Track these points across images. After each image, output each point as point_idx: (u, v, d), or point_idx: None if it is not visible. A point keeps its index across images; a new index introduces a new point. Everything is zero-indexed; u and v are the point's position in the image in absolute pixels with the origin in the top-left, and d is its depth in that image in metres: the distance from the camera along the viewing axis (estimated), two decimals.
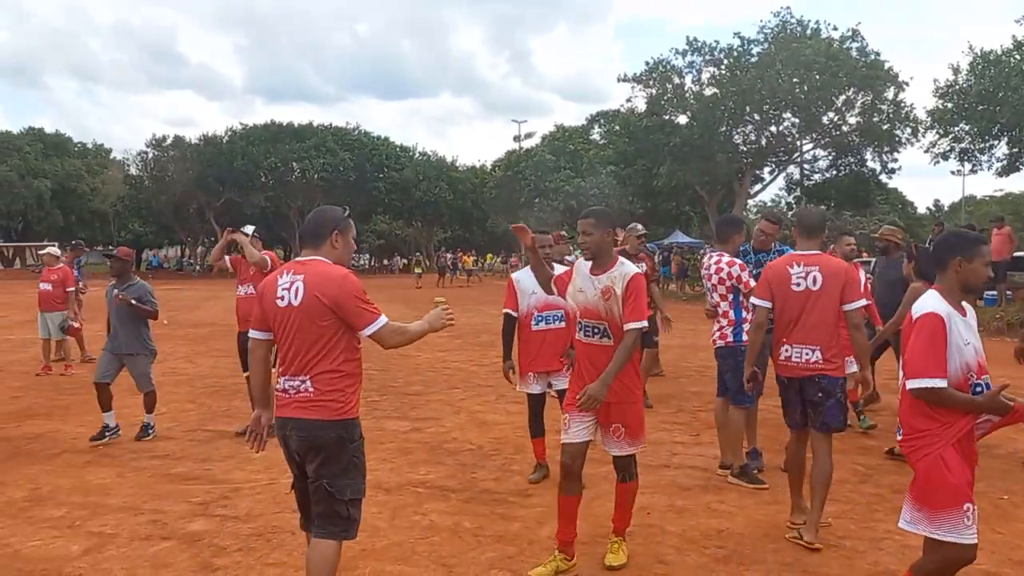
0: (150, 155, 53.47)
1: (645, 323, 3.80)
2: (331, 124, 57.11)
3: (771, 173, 35.63)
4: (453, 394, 8.92)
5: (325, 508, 3.15)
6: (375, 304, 3.18)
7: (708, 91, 31.03)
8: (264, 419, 3.35)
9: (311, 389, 3.14)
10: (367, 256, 69.71)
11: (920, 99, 65.45)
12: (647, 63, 31.98)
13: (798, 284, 4.34)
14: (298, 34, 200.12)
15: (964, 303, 3.10)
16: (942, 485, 2.89)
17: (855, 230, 21.97)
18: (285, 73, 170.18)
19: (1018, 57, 22.42)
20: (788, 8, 33.27)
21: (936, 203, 62.79)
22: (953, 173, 39.01)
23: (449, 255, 45.00)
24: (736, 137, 32.58)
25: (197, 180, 50.03)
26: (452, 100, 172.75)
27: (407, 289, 32.72)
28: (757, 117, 31.27)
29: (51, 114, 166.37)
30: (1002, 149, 24.39)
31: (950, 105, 23.93)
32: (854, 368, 4.71)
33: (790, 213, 32.56)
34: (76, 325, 10.64)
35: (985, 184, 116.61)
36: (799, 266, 4.37)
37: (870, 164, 33.44)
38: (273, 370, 3.50)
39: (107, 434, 6.54)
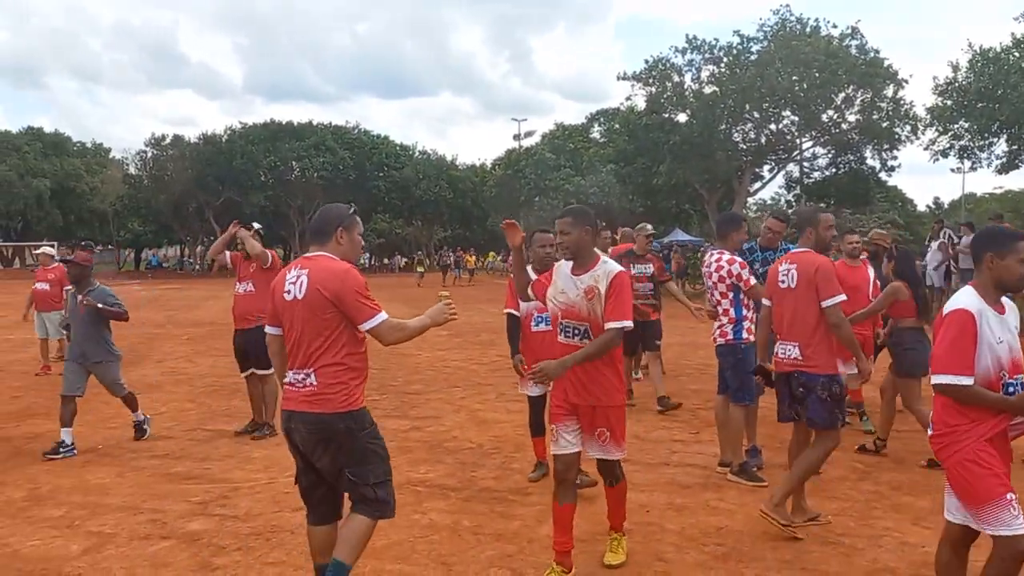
0: (149, 154, 53.37)
1: (629, 323, 3.63)
2: (331, 123, 57.28)
3: (771, 171, 35.63)
4: (453, 393, 8.92)
5: (354, 494, 3.27)
6: (376, 300, 3.21)
7: (708, 89, 30.99)
8: None
9: (315, 382, 3.18)
10: (368, 255, 69.67)
11: (920, 97, 65.66)
12: (647, 61, 32.04)
13: (783, 282, 4.52)
14: (298, 33, 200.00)
15: (1008, 301, 3.04)
16: (975, 480, 2.82)
17: (855, 228, 21.90)
18: (285, 72, 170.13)
19: (1017, 55, 22.40)
20: (788, 6, 33.15)
21: (936, 200, 62.55)
22: (953, 170, 38.92)
23: (451, 254, 45.05)
24: (736, 135, 32.54)
25: (196, 179, 50.00)
26: (452, 99, 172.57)
27: (408, 288, 32.74)
28: (756, 115, 31.22)
29: (51, 114, 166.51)
30: (1002, 146, 24.43)
31: (950, 102, 23.89)
32: (853, 370, 4.71)
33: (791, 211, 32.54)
34: None
35: (985, 181, 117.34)
36: (785, 264, 4.55)
37: (870, 162, 33.46)
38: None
39: (61, 451, 6.17)
